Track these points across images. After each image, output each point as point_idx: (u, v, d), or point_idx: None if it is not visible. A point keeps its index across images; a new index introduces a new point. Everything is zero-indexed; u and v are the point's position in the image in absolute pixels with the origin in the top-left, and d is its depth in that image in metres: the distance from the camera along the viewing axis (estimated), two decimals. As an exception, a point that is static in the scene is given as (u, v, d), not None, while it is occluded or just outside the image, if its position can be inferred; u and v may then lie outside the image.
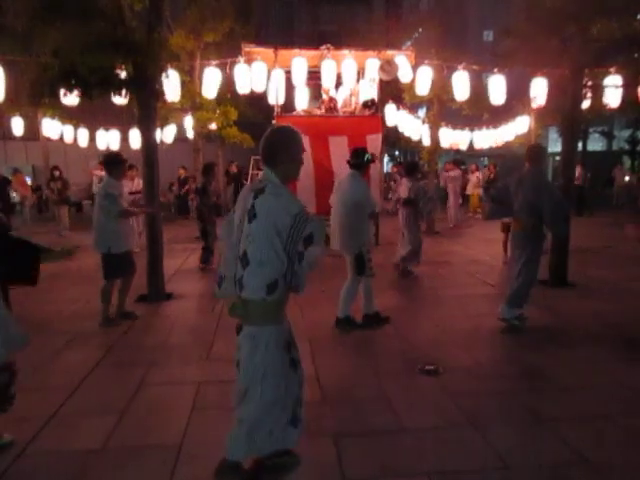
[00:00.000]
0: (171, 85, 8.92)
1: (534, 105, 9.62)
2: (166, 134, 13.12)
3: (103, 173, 17.97)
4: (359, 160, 5.39)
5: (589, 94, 8.08)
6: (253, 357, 2.53)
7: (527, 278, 5.22)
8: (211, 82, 9.80)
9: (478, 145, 14.79)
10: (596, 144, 23.51)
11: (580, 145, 18.44)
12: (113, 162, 5.71)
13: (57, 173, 13.25)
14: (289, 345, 2.64)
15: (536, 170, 5.32)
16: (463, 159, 22.38)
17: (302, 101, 11.05)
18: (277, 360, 2.56)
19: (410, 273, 7.87)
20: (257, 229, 2.44)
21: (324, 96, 10.86)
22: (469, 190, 16.83)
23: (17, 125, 13.07)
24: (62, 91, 5.99)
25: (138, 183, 11.17)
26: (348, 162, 5.43)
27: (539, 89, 9.23)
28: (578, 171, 16.57)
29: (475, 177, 16.58)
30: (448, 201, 14.84)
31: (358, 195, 5.18)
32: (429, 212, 7.93)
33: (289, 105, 11.19)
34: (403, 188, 8.02)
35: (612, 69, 8.86)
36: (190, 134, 12.63)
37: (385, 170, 18.71)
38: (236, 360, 2.64)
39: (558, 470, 2.91)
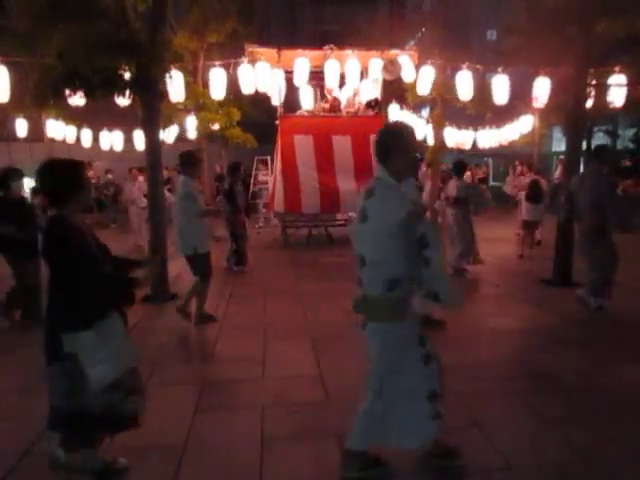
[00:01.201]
0: (175, 86, 8.92)
1: (536, 105, 9.59)
2: (167, 134, 13.14)
3: (90, 173, 17.40)
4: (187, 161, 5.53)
5: (593, 93, 8.05)
6: (379, 353, 2.60)
7: (600, 274, 5.64)
8: (218, 83, 9.81)
9: (481, 145, 14.80)
10: (600, 143, 23.41)
11: (584, 144, 18.34)
12: (190, 161, 5.53)
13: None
14: (421, 339, 2.68)
15: (598, 170, 5.48)
16: (465, 159, 22.34)
17: (306, 101, 11.06)
18: (404, 355, 2.60)
19: (465, 271, 7.84)
20: (368, 230, 2.49)
21: (328, 96, 10.87)
22: None
23: (21, 126, 13.08)
24: (67, 92, 6.00)
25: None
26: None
27: (542, 88, 9.20)
28: (560, 170, 16.62)
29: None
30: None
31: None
32: (480, 209, 7.97)
33: (293, 105, 11.20)
34: (451, 187, 8.01)
35: (616, 68, 8.83)
36: (193, 134, 12.65)
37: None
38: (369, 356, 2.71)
39: (562, 471, 2.89)
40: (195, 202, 5.37)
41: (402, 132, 2.59)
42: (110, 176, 15.45)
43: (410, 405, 2.64)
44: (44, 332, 2.62)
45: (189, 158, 5.56)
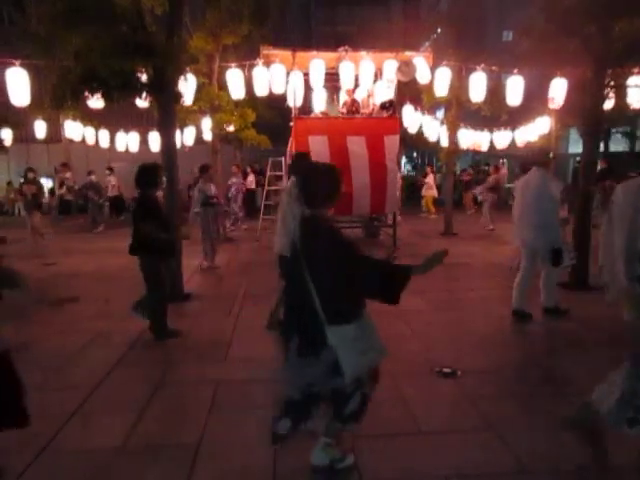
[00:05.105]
0: (189, 88, 8.99)
1: (552, 106, 9.49)
2: (186, 136, 13.23)
3: (68, 175, 17.14)
4: (544, 157, 5.68)
5: (611, 94, 7.95)
6: None
7: None
8: (236, 84, 9.86)
9: (497, 146, 14.72)
10: (619, 145, 23.10)
11: (602, 146, 18.11)
12: (303, 162, 5.41)
13: (31, 175, 11.97)
14: None
15: None
16: (480, 160, 22.29)
17: (320, 103, 11.08)
18: None
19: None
20: None
21: (346, 97, 10.86)
22: (423, 192, 17.19)
23: (40, 128, 13.25)
24: (86, 95, 6.07)
25: None
26: (532, 161, 5.74)
27: (558, 89, 9.11)
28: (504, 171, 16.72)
29: (430, 179, 17.33)
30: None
31: (552, 190, 5.41)
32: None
33: (307, 107, 11.22)
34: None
35: (635, 69, 8.70)
36: (208, 136, 12.72)
37: (404, 171, 18.78)
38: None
39: (577, 474, 2.87)
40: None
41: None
42: (93, 177, 15.23)
43: None
44: (303, 324, 2.72)
45: (303, 159, 5.51)
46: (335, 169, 2.92)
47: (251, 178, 17.09)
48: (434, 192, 17.11)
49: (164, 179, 5.55)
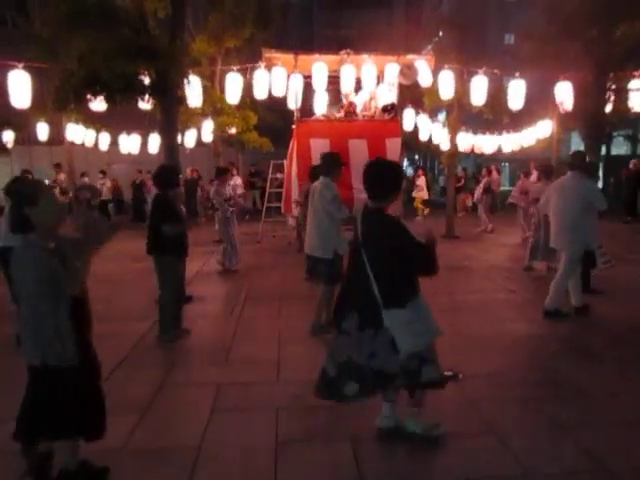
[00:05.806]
0: (193, 91, 9.02)
1: (561, 110, 9.48)
2: (187, 138, 13.25)
3: (62, 176, 17.23)
4: (579, 161, 5.68)
5: (613, 98, 7.97)
6: None
7: None
8: (233, 88, 9.89)
9: (495, 150, 14.76)
10: (620, 148, 23.10)
11: (604, 149, 18.12)
12: (333, 162, 5.33)
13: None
14: None
15: None
16: (482, 163, 22.34)
17: (321, 105, 11.10)
18: None
19: (531, 269, 8.23)
20: None
21: (344, 100, 10.88)
22: (414, 193, 17.28)
23: (42, 130, 13.29)
24: (88, 97, 6.11)
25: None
26: (569, 164, 5.76)
27: (565, 94, 9.11)
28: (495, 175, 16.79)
29: (421, 181, 17.53)
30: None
31: (588, 194, 5.46)
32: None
33: (308, 109, 11.24)
34: (539, 189, 8.18)
35: (636, 72, 8.72)
36: (209, 138, 12.74)
37: (404, 173, 18.87)
38: None
39: (579, 478, 2.87)
40: (341, 208, 5.17)
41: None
42: (86, 179, 15.21)
43: None
44: (362, 304, 2.99)
45: (332, 159, 5.42)
46: (396, 164, 3.15)
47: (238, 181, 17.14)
48: (424, 193, 17.37)
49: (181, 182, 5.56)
